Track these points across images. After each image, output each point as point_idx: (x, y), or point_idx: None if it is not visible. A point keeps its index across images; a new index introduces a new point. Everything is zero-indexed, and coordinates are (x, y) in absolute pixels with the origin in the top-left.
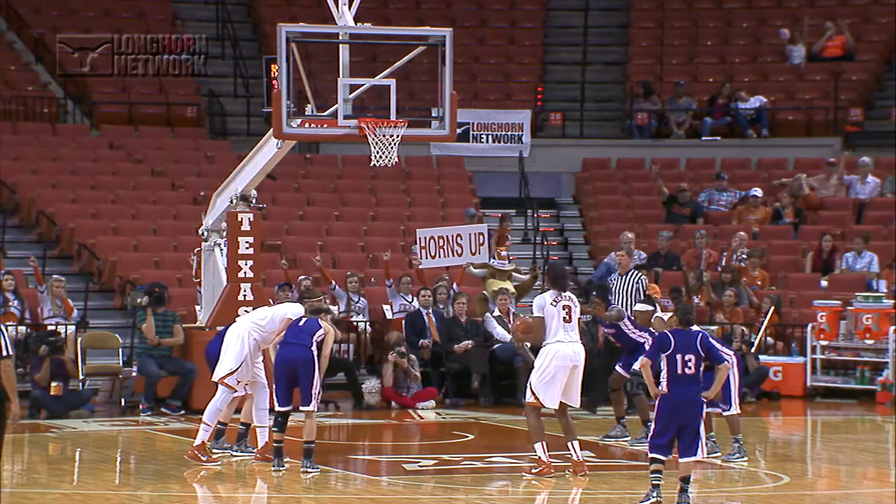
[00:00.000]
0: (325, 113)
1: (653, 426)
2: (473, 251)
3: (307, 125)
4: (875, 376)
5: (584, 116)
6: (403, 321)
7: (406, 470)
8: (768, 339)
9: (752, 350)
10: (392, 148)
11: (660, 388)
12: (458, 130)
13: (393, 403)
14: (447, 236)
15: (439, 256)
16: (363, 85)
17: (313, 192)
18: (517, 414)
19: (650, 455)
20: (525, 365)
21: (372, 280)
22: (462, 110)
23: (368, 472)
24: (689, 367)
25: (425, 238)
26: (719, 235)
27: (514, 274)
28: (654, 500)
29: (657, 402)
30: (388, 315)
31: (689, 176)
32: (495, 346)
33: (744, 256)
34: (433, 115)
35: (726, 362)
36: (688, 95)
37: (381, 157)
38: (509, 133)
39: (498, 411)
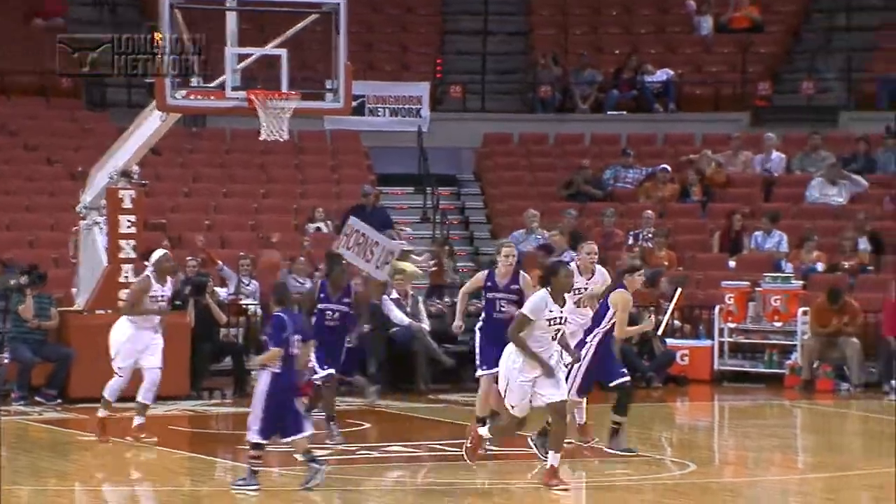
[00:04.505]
0: (212, 84)
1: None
2: (378, 266)
3: (193, 97)
4: (783, 360)
5: (485, 89)
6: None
7: (299, 461)
8: (675, 321)
9: (659, 333)
10: (283, 121)
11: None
12: (353, 103)
13: None
14: (368, 238)
15: (353, 252)
16: (252, 55)
17: (200, 168)
18: (414, 402)
19: (256, 440)
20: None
21: None
22: (357, 82)
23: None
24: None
25: (352, 229)
26: (626, 214)
27: (411, 256)
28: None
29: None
30: None
31: (593, 151)
32: (393, 329)
33: (650, 236)
34: (327, 87)
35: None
36: (592, 67)
37: (271, 131)
38: (407, 106)
39: (394, 399)
